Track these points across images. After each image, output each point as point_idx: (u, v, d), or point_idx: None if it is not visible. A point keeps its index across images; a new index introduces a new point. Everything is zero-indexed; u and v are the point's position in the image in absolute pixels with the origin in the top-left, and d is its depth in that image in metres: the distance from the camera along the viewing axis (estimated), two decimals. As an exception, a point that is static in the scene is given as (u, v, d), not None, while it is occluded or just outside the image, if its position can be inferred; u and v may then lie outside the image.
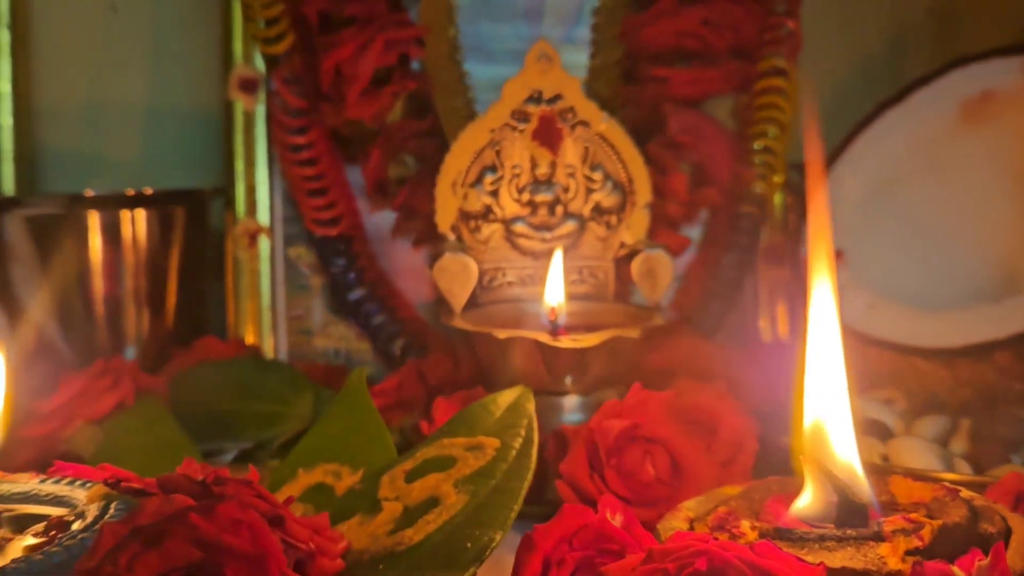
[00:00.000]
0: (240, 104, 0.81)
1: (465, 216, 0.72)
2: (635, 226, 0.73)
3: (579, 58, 0.84)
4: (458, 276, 0.68)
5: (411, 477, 0.47)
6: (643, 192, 0.72)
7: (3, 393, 0.49)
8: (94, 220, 0.78)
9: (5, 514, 0.44)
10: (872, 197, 0.75)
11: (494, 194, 0.72)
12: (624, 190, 0.72)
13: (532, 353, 0.61)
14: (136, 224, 0.78)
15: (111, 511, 0.40)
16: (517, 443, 0.47)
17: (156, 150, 0.94)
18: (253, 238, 0.80)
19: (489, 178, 0.71)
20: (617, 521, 0.41)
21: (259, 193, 0.80)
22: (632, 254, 0.72)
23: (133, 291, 0.79)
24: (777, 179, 0.84)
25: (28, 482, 0.46)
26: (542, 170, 0.72)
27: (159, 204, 0.79)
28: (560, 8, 0.85)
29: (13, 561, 0.37)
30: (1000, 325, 0.65)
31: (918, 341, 0.67)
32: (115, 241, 0.78)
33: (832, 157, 0.76)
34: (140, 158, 0.93)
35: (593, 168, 0.72)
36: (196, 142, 0.93)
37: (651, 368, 0.67)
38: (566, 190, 0.72)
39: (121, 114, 0.93)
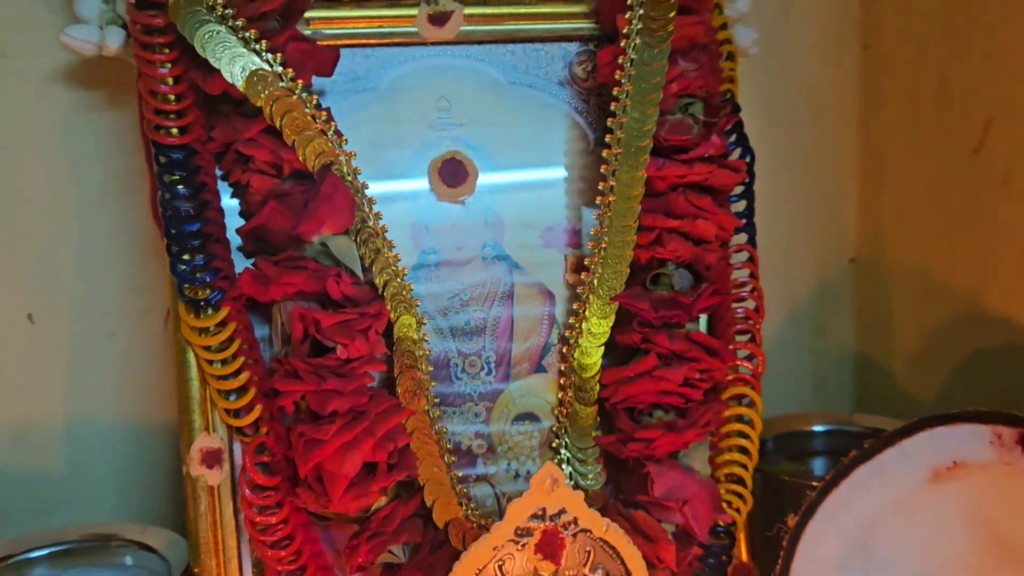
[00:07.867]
0: (204, 479, 0.75)
1: (466, 632, 0.70)
2: (633, 621, 0.73)
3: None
4: None
5: None
6: (641, 586, 0.72)
7: None
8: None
9: None
10: (850, 555, 0.77)
11: (497, 609, 0.70)
12: (623, 587, 0.72)
13: None
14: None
15: None
16: None
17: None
18: (229, 628, 0.75)
19: (492, 595, 0.70)
20: None
21: (229, 570, 0.76)
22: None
23: None
24: (743, 507, 0.85)
25: None
26: (544, 581, 0.70)
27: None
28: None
29: None
30: None
31: None
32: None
33: (806, 515, 0.78)
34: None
35: (593, 570, 0.71)
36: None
37: None
38: (568, 596, 0.71)
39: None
